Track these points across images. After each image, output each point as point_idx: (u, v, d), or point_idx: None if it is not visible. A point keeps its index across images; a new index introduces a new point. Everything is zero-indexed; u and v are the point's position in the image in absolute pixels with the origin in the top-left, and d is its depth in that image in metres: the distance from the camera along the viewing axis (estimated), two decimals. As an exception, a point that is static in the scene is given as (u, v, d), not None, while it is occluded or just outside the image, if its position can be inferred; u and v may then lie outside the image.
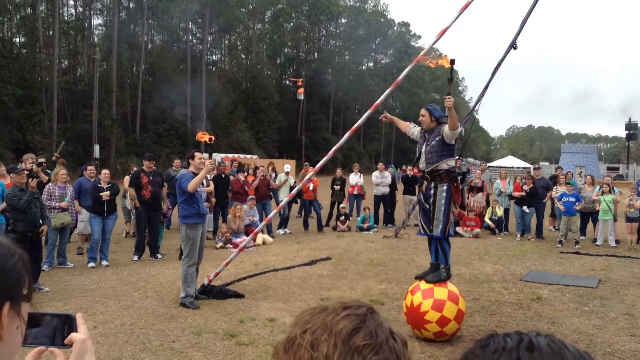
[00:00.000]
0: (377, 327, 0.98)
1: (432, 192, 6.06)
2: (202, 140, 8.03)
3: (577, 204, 12.93)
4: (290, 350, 0.97)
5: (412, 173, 14.42)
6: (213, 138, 7.89)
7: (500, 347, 0.69)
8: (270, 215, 9.52)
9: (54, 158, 13.48)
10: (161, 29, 54.92)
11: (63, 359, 1.07)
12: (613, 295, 8.04)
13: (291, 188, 14.11)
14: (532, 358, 0.66)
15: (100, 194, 9.92)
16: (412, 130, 6.58)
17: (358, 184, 16.40)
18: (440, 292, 5.84)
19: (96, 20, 50.66)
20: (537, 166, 18.82)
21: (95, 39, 49.59)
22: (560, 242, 12.79)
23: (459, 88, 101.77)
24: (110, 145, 41.11)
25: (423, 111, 6.26)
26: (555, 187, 14.20)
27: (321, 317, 1.00)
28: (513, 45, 8.97)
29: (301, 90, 47.34)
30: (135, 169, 12.70)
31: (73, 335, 1.08)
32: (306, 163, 18.65)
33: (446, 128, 5.90)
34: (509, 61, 9.44)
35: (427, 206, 6.12)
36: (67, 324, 1.10)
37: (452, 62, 6.44)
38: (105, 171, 10.58)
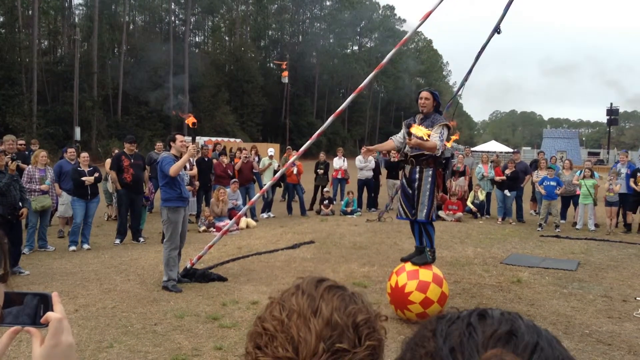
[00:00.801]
0: (337, 284, 1.07)
1: (417, 176, 6.05)
2: (188, 123, 7.96)
3: (557, 188, 13.07)
4: (264, 311, 1.03)
5: (394, 158, 14.46)
6: (195, 122, 7.83)
7: (454, 317, 0.71)
8: (253, 199, 9.50)
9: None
10: (143, 9, 54.19)
11: (39, 338, 1.05)
12: (591, 278, 8.17)
13: (275, 172, 14.09)
14: (483, 322, 0.67)
15: (83, 178, 9.81)
16: (397, 139, 6.45)
17: (342, 168, 16.41)
18: (426, 274, 5.90)
19: (77, 0, 49.80)
20: (516, 150, 18.99)
21: (76, 19, 48.75)
22: (540, 225, 12.95)
23: (443, 73, 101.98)
24: (92, 127, 40.64)
25: (427, 94, 6.15)
26: (536, 171, 14.35)
27: (290, 287, 1.07)
28: (497, 30, 8.98)
29: (285, 73, 47.06)
30: (116, 151, 12.57)
31: (49, 314, 1.07)
32: (289, 147, 18.61)
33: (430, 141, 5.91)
34: (493, 45, 9.44)
35: (410, 190, 6.11)
36: (44, 303, 1.09)
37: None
38: (84, 154, 10.44)
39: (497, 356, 0.62)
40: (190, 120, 7.88)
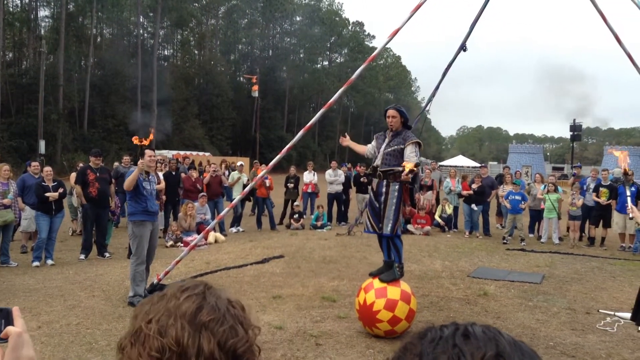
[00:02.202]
0: (216, 300, 1.04)
1: (383, 190, 6.09)
2: (137, 143, 7.88)
3: (522, 202, 13.33)
4: (137, 343, 1.00)
5: (362, 172, 14.56)
6: (144, 141, 7.75)
7: (437, 337, 0.71)
8: (222, 213, 9.43)
9: None
10: (111, 22, 53.59)
11: None
12: (556, 290, 8.33)
13: (244, 186, 14.03)
14: (468, 344, 0.67)
15: (47, 194, 9.60)
16: (369, 149, 6.50)
17: (312, 182, 16.44)
18: (393, 291, 5.89)
19: (43, 12, 48.97)
20: (484, 165, 19.32)
21: (42, 31, 47.89)
22: (504, 238, 13.17)
23: (412, 88, 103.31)
24: (57, 140, 39.86)
25: (394, 112, 6.19)
26: (502, 185, 14.63)
27: (162, 304, 1.03)
28: (463, 47, 9.16)
29: (255, 87, 47.10)
30: (81, 165, 12.35)
31: (9, 328, 1.05)
32: (256, 161, 18.59)
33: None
34: (460, 62, 9.62)
35: (377, 204, 6.14)
36: (4, 318, 1.08)
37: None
38: (47, 168, 10.22)
39: None
40: (136, 141, 7.82)
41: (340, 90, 7.94)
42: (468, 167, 54.83)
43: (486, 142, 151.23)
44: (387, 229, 6.04)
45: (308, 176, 16.55)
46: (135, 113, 43.83)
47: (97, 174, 10.38)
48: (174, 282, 1.10)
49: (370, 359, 5.35)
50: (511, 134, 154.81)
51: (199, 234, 10.69)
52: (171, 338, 0.96)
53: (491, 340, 0.68)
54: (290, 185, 15.99)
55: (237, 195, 12.80)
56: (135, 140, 7.87)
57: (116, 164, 15.65)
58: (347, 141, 6.81)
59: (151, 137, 7.83)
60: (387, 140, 6.21)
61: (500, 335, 0.70)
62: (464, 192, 14.57)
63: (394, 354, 0.74)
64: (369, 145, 6.55)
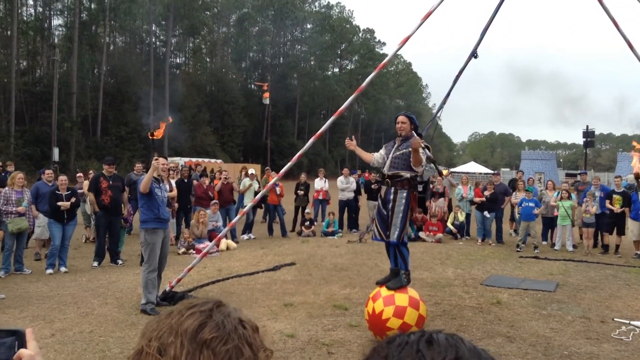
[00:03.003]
0: (224, 318, 0.98)
1: (391, 197, 6.08)
2: (150, 136, 7.79)
3: (536, 209, 13.25)
4: None
5: (373, 179, 14.53)
6: (156, 134, 7.66)
7: (404, 342, 0.75)
8: (234, 221, 9.45)
9: None
10: (123, 30, 54.07)
11: None
12: (570, 299, 8.25)
13: (255, 193, 14.06)
14: (431, 349, 0.72)
15: (59, 203, 9.69)
16: (376, 158, 6.48)
17: (323, 189, 16.43)
18: (401, 298, 5.87)
19: (56, 21, 49.59)
20: (497, 172, 19.22)
21: (55, 40, 48.45)
22: (519, 246, 13.07)
23: (423, 95, 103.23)
24: (70, 148, 40.24)
25: (403, 118, 6.22)
26: (514, 192, 14.54)
27: (167, 321, 0.99)
28: (474, 54, 9.15)
29: (266, 94, 47.18)
30: (92, 173, 12.42)
31: (21, 351, 1.06)
32: (267, 168, 18.59)
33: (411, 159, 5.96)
34: (471, 68, 9.63)
35: (385, 212, 6.13)
36: (17, 339, 1.08)
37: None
38: (62, 177, 10.32)
39: None
40: (157, 133, 7.72)
41: (351, 97, 7.95)
42: (480, 173, 54.61)
43: (498, 149, 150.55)
44: (394, 236, 6.02)
45: (319, 183, 16.55)
46: (147, 119, 44.15)
47: (110, 182, 10.44)
48: (186, 298, 1.06)
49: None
50: (523, 140, 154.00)
51: (210, 241, 10.73)
52: (169, 357, 0.92)
53: (452, 347, 0.72)
54: (301, 193, 15.99)
55: (248, 202, 12.84)
56: (157, 133, 7.81)
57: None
58: (353, 145, 6.65)
59: (162, 130, 7.74)
60: (396, 145, 6.23)
61: (462, 342, 0.75)
62: (477, 199, 14.49)
63: (364, 356, 0.78)
64: (376, 154, 6.52)
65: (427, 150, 6.09)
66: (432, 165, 6.57)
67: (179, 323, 0.96)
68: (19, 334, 1.09)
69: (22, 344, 1.08)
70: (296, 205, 16.02)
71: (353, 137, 6.82)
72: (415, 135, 6.01)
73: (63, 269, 9.73)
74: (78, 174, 14.19)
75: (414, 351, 0.72)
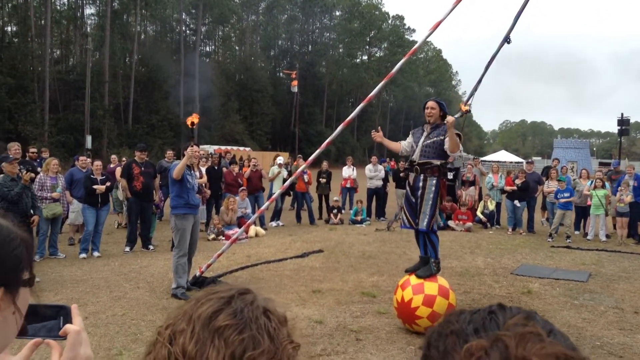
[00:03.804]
0: (244, 306, 0.90)
1: (420, 184, 6.03)
2: (187, 123, 7.83)
3: (572, 197, 13.04)
4: (152, 351, 0.90)
5: (401, 166, 14.43)
6: (195, 121, 7.72)
7: (476, 309, 0.78)
8: (262, 207, 9.50)
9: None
10: (154, 19, 54.59)
11: (58, 351, 1.06)
12: (603, 289, 8.10)
13: (284, 180, 14.11)
14: (502, 312, 0.75)
15: (95, 186, 9.87)
16: (404, 146, 6.40)
17: (351, 177, 16.39)
18: (431, 287, 5.83)
19: (89, 10, 50.35)
20: (529, 160, 18.89)
21: (88, 29, 49.20)
22: (551, 235, 12.86)
23: (453, 82, 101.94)
24: (103, 135, 40.93)
25: (433, 104, 6.15)
26: (547, 181, 14.28)
27: (184, 308, 0.92)
28: (507, 40, 8.97)
29: (295, 82, 47.18)
30: (123, 160, 12.64)
31: (68, 326, 1.07)
32: (299, 155, 18.59)
33: (446, 145, 5.89)
34: (504, 54, 9.46)
35: (414, 199, 6.08)
36: (63, 315, 1.10)
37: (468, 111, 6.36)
38: (97, 162, 10.52)
39: (518, 324, 0.69)
40: (189, 119, 7.75)
41: (380, 85, 7.89)
42: (511, 162, 53.80)
43: (529, 137, 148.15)
44: (423, 224, 5.97)
45: (347, 171, 16.51)
46: (178, 109, 44.64)
47: (142, 168, 10.59)
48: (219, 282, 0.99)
49: (411, 355, 5.31)
50: (556, 128, 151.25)
51: (239, 227, 10.82)
52: (178, 346, 0.86)
53: (524, 311, 0.75)
54: (323, 180, 15.94)
55: (277, 190, 12.89)
56: (188, 120, 7.86)
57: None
58: (379, 137, 6.55)
59: (196, 119, 7.76)
60: (425, 133, 6.15)
61: (536, 313, 0.77)
62: (507, 188, 14.27)
63: (437, 324, 0.79)
64: (404, 142, 6.45)
65: (458, 138, 6.01)
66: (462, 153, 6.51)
67: (194, 309, 0.89)
68: (65, 309, 1.11)
69: (68, 320, 1.09)
70: (318, 193, 16.01)
71: (379, 128, 6.77)
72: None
73: (96, 253, 9.93)
74: (112, 156, 14.65)
75: (486, 312, 0.75)
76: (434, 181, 5.99)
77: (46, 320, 1.09)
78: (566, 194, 13.00)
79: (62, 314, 1.10)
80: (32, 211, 8.15)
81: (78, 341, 1.06)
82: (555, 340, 0.68)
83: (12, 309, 1.00)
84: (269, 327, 0.89)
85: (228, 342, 0.84)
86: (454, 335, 0.72)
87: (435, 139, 6.01)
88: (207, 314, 0.87)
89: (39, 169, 10.37)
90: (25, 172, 8.15)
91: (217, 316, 0.87)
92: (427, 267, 6.01)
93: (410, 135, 6.44)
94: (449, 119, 5.78)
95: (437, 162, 5.99)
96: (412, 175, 6.19)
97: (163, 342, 0.88)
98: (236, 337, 0.85)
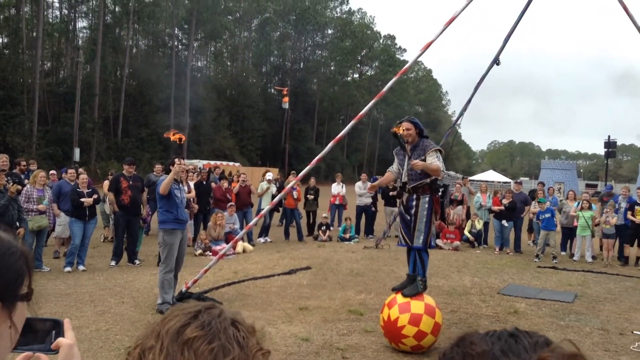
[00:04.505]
0: (212, 319, 0.91)
1: (413, 203, 6.05)
2: (172, 139, 7.82)
3: (554, 218, 13.12)
4: None
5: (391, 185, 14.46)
6: (183, 138, 7.73)
7: (491, 332, 0.79)
8: (251, 223, 9.49)
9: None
10: (146, 33, 54.74)
11: None
12: (588, 310, 8.13)
13: (273, 196, 14.09)
14: (521, 334, 0.76)
15: (82, 199, 9.80)
16: (394, 171, 6.44)
17: (340, 194, 16.41)
18: (417, 305, 5.82)
19: (81, 23, 50.40)
20: (518, 181, 19.04)
21: (80, 42, 49.20)
22: (537, 256, 12.92)
23: (442, 102, 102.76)
24: (91, 148, 40.75)
25: (408, 125, 6.13)
26: (534, 202, 14.38)
27: (152, 326, 0.92)
28: (496, 62, 9.10)
29: (286, 99, 47.41)
30: (112, 173, 12.55)
31: (60, 340, 1.07)
32: (293, 172, 18.60)
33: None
34: (492, 76, 9.57)
35: (408, 217, 6.10)
36: (55, 329, 1.10)
37: (394, 135, 6.35)
38: (83, 176, 10.45)
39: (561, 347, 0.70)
40: (176, 136, 7.73)
41: (370, 103, 7.96)
42: (499, 182, 54.15)
43: (517, 157, 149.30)
44: (419, 241, 5.98)
45: (336, 188, 16.54)
46: (167, 121, 44.57)
47: (130, 182, 10.54)
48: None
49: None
50: (543, 149, 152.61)
51: (227, 243, 10.77)
52: None
53: (540, 335, 0.77)
54: (310, 197, 15.94)
55: (266, 205, 12.87)
56: (171, 135, 7.80)
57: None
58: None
59: (180, 135, 7.71)
60: (407, 157, 6.15)
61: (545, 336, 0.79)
62: (495, 208, 14.36)
63: (450, 344, 0.80)
64: (392, 168, 6.47)
65: (438, 154, 6.04)
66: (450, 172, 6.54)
67: (162, 325, 0.90)
68: (57, 323, 1.11)
69: (60, 334, 1.09)
70: (306, 210, 15.99)
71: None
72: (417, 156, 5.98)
73: (81, 267, 9.83)
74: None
75: (507, 335, 0.76)
76: (427, 199, 6.01)
77: (38, 333, 1.09)
78: (547, 215, 13.08)
79: (54, 327, 1.10)
80: (17, 223, 8.08)
81: (70, 355, 1.06)
82: None
83: (9, 324, 0.99)
84: (237, 337, 0.89)
85: (198, 353, 0.84)
86: (482, 358, 0.72)
87: (417, 160, 6.01)
88: (175, 328, 0.87)
89: (26, 182, 10.31)
90: (11, 183, 8.09)
91: (185, 329, 0.87)
92: (413, 285, 6.00)
93: (395, 156, 6.45)
94: (415, 166, 5.84)
95: (427, 180, 6.02)
96: (405, 195, 6.18)
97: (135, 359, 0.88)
98: (205, 347, 0.85)
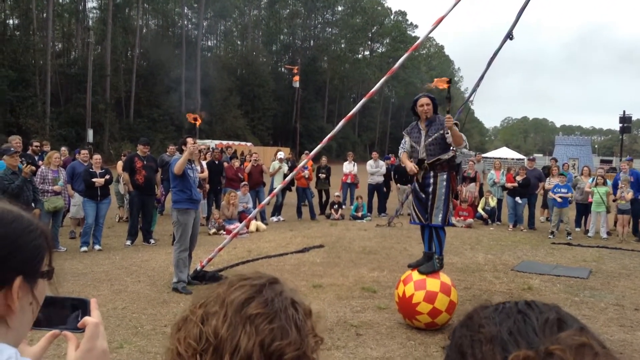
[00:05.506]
0: (275, 296, 0.94)
1: (431, 180, 5.98)
2: (189, 119, 7.88)
3: (569, 194, 13.01)
4: (183, 328, 0.95)
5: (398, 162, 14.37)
6: (199, 120, 7.76)
7: (501, 306, 0.77)
8: (263, 202, 9.51)
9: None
10: (156, 13, 54.52)
11: (75, 343, 1.07)
12: (603, 286, 8.11)
13: (285, 175, 14.10)
14: (531, 310, 0.74)
15: (93, 179, 9.87)
16: (408, 150, 6.29)
17: (351, 172, 16.38)
18: (433, 283, 5.81)
19: (91, 4, 50.25)
20: (531, 157, 18.88)
21: (90, 22, 49.14)
22: (552, 233, 12.87)
23: (455, 78, 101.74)
24: (104, 129, 40.93)
25: (426, 100, 6.05)
26: (548, 178, 14.27)
27: (217, 290, 0.96)
28: (509, 36, 8.96)
29: (296, 77, 47.14)
30: (126, 153, 12.61)
31: (86, 318, 1.09)
32: (307, 151, 18.56)
33: (449, 140, 5.85)
34: (506, 51, 9.42)
35: (423, 195, 6.04)
36: (81, 308, 1.12)
37: (449, 82, 6.27)
38: (97, 156, 10.52)
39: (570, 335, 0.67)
40: (191, 116, 7.79)
41: (381, 80, 7.88)
42: (512, 159, 53.74)
43: (531, 134, 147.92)
44: (438, 219, 5.94)
45: (348, 166, 16.50)
46: (179, 103, 44.59)
47: (144, 162, 10.60)
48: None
49: (410, 350, 5.32)
50: (557, 125, 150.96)
51: (240, 222, 10.83)
52: (210, 327, 0.90)
53: (552, 309, 0.73)
54: (322, 176, 15.93)
55: (278, 185, 12.89)
56: (189, 117, 7.90)
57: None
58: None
59: (195, 115, 7.81)
60: (423, 132, 6.08)
61: (559, 307, 0.76)
62: (508, 184, 14.28)
63: (459, 322, 0.78)
64: (406, 147, 6.32)
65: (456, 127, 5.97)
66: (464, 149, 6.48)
67: (227, 294, 0.93)
68: (83, 302, 1.13)
69: (86, 313, 1.11)
70: (318, 188, 16.00)
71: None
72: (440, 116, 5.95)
73: (97, 247, 9.95)
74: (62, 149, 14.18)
75: (515, 311, 0.73)
76: (445, 176, 5.96)
77: (64, 312, 1.11)
78: (563, 190, 12.96)
79: (80, 307, 1.11)
80: (33, 204, 8.16)
81: (96, 334, 1.08)
82: (608, 352, 0.68)
83: (30, 299, 1.01)
84: (296, 319, 0.93)
85: (259, 330, 0.88)
86: (490, 344, 0.70)
87: (435, 134, 5.95)
88: (240, 300, 0.91)
89: (40, 163, 10.40)
90: (25, 164, 8.16)
91: (249, 303, 0.91)
92: (430, 263, 5.99)
93: (405, 136, 6.36)
94: (448, 122, 5.72)
95: (446, 157, 5.97)
96: (420, 172, 6.11)
97: (195, 321, 0.92)
98: (266, 325, 0.89)
